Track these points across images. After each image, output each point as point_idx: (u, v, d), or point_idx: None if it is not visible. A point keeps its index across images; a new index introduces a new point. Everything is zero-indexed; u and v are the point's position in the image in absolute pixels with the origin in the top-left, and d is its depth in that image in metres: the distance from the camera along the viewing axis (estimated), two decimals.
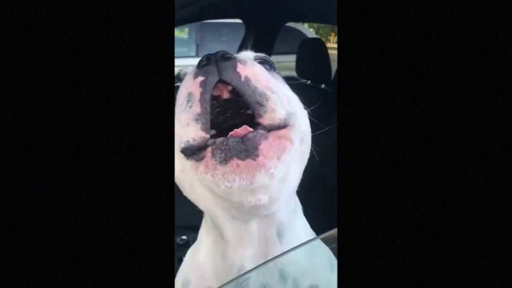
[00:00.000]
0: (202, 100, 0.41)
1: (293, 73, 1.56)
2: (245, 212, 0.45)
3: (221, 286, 0.44)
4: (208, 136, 0.40)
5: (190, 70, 0.45)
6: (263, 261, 0.49)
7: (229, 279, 0.46)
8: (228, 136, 0.40)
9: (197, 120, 0.40)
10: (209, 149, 0.40)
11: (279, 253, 0.49)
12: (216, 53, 0.43)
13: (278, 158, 0.40)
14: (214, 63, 0.41)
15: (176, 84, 0.45)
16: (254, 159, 0.38)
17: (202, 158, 0.40)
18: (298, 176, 0.47)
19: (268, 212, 0.45)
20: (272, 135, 0.41)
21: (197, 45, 3.55)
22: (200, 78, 0.41)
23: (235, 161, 0.38)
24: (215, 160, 0.39)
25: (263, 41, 1.45)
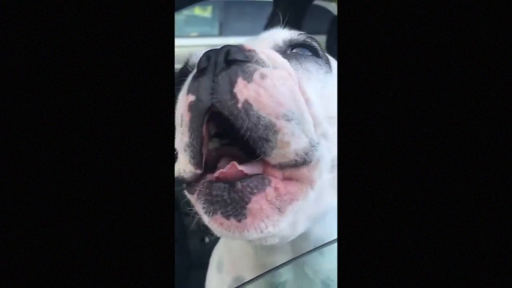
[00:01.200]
0: (191, 129, 0.31)
1: None
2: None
3: (254, 278, 0.39)
4: (198, 171, 0.32)
5: (190, 75, 0.35)
6: (300, 270, 0.41)
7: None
8: (215, 175, 0.31)
9: (185, 151, 0.32)
10: (197, 188, 0.32)
11: (318, 263, 0.41)
12: (221, 49, 0.31)
13: (281, 212, 0.30)
14: (212, 71, 0.30)
15: (182, 79, 0.36)
16: (239, 221, 0.29)
17: (193, 193, 0.33)
18: (333, 202, 0.36)
19: (287, 241, 0.36)
20: (277, 180, 0.30)
21: (221, 24, 3.48)
22: (190, 98, 0.31)
23: (218, 217, 0.30)
24: (200, 206, 0.32)
25: (290, 20, 1.37)
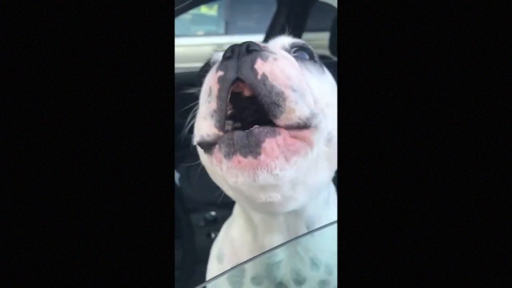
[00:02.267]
0: (219, 97, 0.39)
1: (326, 52, 1.49)
2: (261, 208, 0.44)
3: (252, 259, 0.47)
4: (221, 133, 0.39)
5: (218, 59, 0.43)
6: (293, 249, 0.47)
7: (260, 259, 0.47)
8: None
9: (212, 116, 0.39)
10: (218, 142, 0.39)
11: (308, 242, 0.48)
12: (242, 44, 0.41)
13: (287, 160, 0.37)
14: (237, 57, 0.40)
15: (205, 73, 0.44)
16: (255, 157, 0.36)
17: (213, 152, 0.40)
18: (326, 176, 0.44)
19: (288, 210, 0.43)
20: (286, 134, 0.38)
21: (226, 23, 3.50)
22: (219, 73, 0.40)
23: (237, 157, 0.37)
24: (221, 153, 0.38)
25: (295, 18, 1.39)
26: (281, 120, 0.38)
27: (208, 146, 0.41)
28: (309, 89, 0.41)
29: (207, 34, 3.54)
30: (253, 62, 0.39)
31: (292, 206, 0.42)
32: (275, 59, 0.39)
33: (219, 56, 0.46)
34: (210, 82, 0.40)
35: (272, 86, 0.38)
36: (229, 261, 0.55)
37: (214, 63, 0.47)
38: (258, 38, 1.47)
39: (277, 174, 0.37)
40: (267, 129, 0.37)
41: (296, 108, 0.38)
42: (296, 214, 0.47)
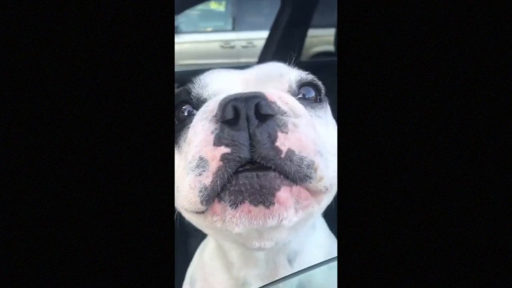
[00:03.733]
0: (218, 176, 0.32)
1: (331, 48, 1.48)
2: (249, 249, 0.40)
3: None
4: (204, 208, 0.34)
5: (202, 112, 0.36)
6: (270, 281, 0.43)
7: None
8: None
9: (200, 192, 0.33)
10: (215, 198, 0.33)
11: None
12: (248, 101, 0.33)
13: (296, 212, 0.33)
14: (246, 126, 0.32)
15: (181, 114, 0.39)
16: (268, 207, 0.32)
17: (206, 210, 0.34)
18: (315, 218, 0.42)
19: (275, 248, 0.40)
20: (303, 187, 0.34)
21: (234, 19, 3.50)
22: (224, 150, 0.32)
23: (246, 206, 0.32)
24: (224, 203, 0.33)
25: (301, 13, 1.38)
26: (307, 188, 0.34)
27: (194, 212, 0.36)
28: (324, 146, 0.36)
29: (215, 30, 3.54)
30: (273, 139, 0.32)
31: (280, 245, 0.40)
32: (295, 125, 0.34)
33: (202, 90, 0.40)
34: (207, 154, 0.33)
35: (301, 159, 0.33)
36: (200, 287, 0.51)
37: (197, 99, 0.40)
38: (266, 34, 1.47)
39: (284, 224, 0.33)
40: (282, 176, 0.33)
41: (325, 174, 0.34)
42: (278, 249, 0.44)
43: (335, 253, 0.47)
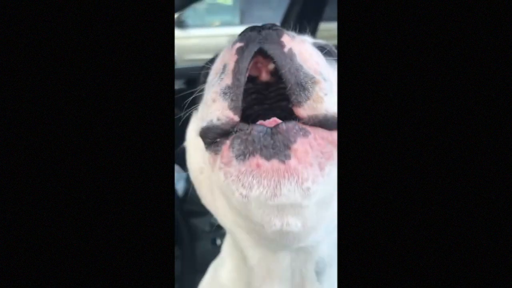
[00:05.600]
0: (235, 70, 0.30)
1: None
2: (269, 240, 0.33)
3: None
4: (236, 118, 0.30)
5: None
6: None
7: None
8: (257, 123, 0.30)
9: (225, 94, 0.30)
10: (230, 137, 0.30)
11: None
12: (265, 24, 0.34)
13: (321, 168, 0.28)
14: (258, 30, 0.32)
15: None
16: (283, 161, 0.28)
17: (222, 147, 0.30)
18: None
19: (302, 245, 0.33)
20: (316, 133, 0.30)
21: (242, 13, 3.46)
22: (238, 44, 0.32)
23: (256, 159, 0.28)
24: (232, 152, 0.29)
25: (312, 7, 1.35)
26: (305, 109, 0.30)
27: (215, 138, 0.31)
28: (335, 87, 0.32)
29: (223, 24, 3.52)
30: (279, 35, 0.32)
31: (310, 239, 0.33)
32: (302, 41, 0.33)
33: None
34: (226, 56, 0.33)
35: (301, 66, 0.30)
36: None
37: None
38: None
39: (309, 188, 0.28)
40: (297, 126, 0.29)
41: (325, 98, 0.30)
42: (306, 254, 0.37)
43: None
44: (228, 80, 0.31)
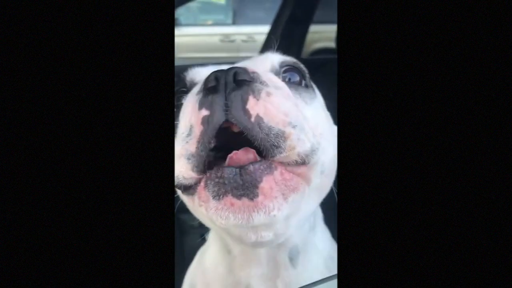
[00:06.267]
0: (200, 141, 0.34)
1: (332, 44, 1.47)
2: (249, 245, 0.40)
3: None
4: (200, 176, 0.35)
5: (194, 91, 0.37)
6: (272, 283, 0.44)
7: None
8: (227, 160, 0.34)
9: (188, 159, 0.34)
10: (203, 179, 0.35)
11: (290, 276, 0.45)
12: (228, 70, 0.35)
13: (285, 198, 0.34)
14: (223, 90, 0.34)
15: (180, 94, 0.39)
16: (252, 199, 0.32)
17: (195, 192, 0.35)
18: (316, 205, 0.41)
19: (276, 244, 0.40)
20: (282, 168, 0.34)
21: (234, 13, 3.47)
22: (204, 113, 0.34)
23: (229, 199, 0.33)
24: (208, 192, 0.34)
25: (303, 9, 1.37)
26: (279, 159, 0.34)
27: (186, 187, 0.36)
28: (306, 122, 0.36)
29: (215, 23, 3.51)
30: (244, 102, 0.34)
31: (281, 240, 0.39)
32: (268, 94, 0.35)
33: (195, 75, 0.42)
34: (192, 120, 0.35)
35: (270, 128, 0.33)
36: None
37: (191, 83, 0.42)
38: (266, 28, 1.45)
39: (275, 215, 0.33)
40: (262, 165, 0.33)
41: (297, 145, 0.34)
42: (279, 245, 0.43)
43: (335, 258, 0.46)
44: (192, 148, 0.34)
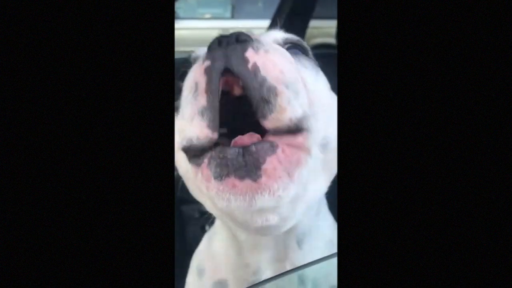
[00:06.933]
0: (208, 91, 0.33)
1: (333, 40, 1.47)
2: (253, 232, 0.38)
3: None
4: (215, 136, 0.33)
5: (201, 54, 0.38)
6: (280, 265, 0.44)
7: (244, 277, 0.44)
8: (232, 143, 0.33)
9: (202, 114, 0.33)
10: (208, 155, 0.34)
11: (298, 257, 0.45)
12: (232, 34, 0.36)
13: (290, 176, 0.33)
14: (225, 46, 0.34)
15: (184, 70, 0.38)
16: (255, 180, 0.31)
17: (202, 163, 0.34)
18: (323, 188, 0.40)
19: (282, 231, 0.38)
20: (283, 144, 0.33)
21: (233, 7, 3.44)
22: (206, 63, 0.34)
23: (231, 180, 0.32)
24: (210, 172, 0.33)
25: (303, 3, 1.36)
26: (270, 121, 0.33)
27: (196, 153, 0.35)
28: (303, 87, 0.36)
29: (214, 17, 3.49)
30: (243, 50, 0.34)
31: (289, 225, 0.37)
32: (266, 51, 0.35)
33: (200, 52, 0.41)
34: (196, 75, 0.35)
35: (264, 79, 0.33)
36: (209, 277, 0.50)
37: (195, 59, 0.41)
38: (265, 23, 1.45)
39: (280, 196, 0.32)
40: (265, 145, 0.32)
41: (288, 107, 0.33)
42: (287, 230, 0.42)
43: (335, 241, 0.47)
44: (202, 100, 0.34)
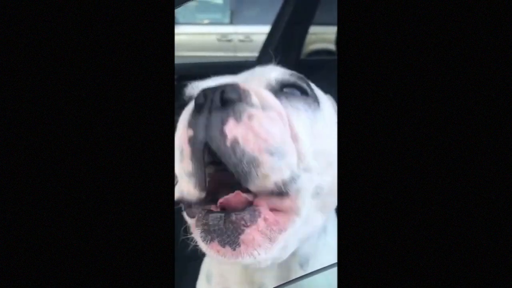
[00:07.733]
0: (193, 160, 0.34)
1: (329, 46, 1.47)
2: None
3: None
4: (202, 195, 0.35)
5: (188, 107, 0.37)
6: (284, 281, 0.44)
7: None
8: (218, 204, 0.34)
9: (189, 177, 0.35)
10: (196, 214, 0.35)
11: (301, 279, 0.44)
12: (217, 88, 0.35)
13: (272, 240, 0.34)
14: (208, 109, 0.34)
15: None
16: (234, 249, 0.33)
17: (193, 217, 0.36)
18: (320, 222, 0.40)
19: (280, 261, 0.39)
20: (265, 210, 0.34)
21: (232, 12, 3.45)
22: (189, 133, 0.34)
23: (215, 245, 0.34)
24: (199, 231, 0.35)
25: (303, 10, 1.36)
26: (253, 187, 0.34)
27: (189, 205, 0.37)
28: (294, 143, 0.36)
29: (212, 23, 3.50)
30: (223, 123, 0.33)
31: (286, 255, 0.39)
32: (250, 117, 0.34)
33: (194, 90, 0.42)
34: (181, 139, 0.35)
35: (243, 153, 0.33)
36: (216, 283, 0.52)
37: (189, 99, 0.42)
38: (264, 29, 1.45)
39: (262, 257, 0.34)
40: (246, 214, 0.33)
41: (271, 173, 0.33)
42: (288, 257, 0.43)
43: None
44: (188, 166, 0.35)
